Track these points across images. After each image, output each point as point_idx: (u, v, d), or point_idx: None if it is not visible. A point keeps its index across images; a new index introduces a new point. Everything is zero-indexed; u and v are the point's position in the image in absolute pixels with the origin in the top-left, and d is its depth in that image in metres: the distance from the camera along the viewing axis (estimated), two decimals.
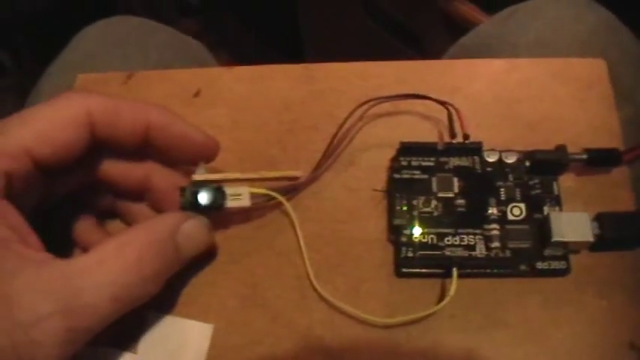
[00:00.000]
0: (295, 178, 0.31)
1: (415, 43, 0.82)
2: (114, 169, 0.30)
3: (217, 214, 0.29)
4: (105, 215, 0.33)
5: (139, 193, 0.31)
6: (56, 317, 0.22)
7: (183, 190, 0.28)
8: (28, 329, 0.22)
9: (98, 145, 0.27)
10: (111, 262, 0.25)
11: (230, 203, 0.29)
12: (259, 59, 0.39)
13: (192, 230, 0.28)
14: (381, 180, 0.33)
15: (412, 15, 0.80)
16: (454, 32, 0.58)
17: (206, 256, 0.31)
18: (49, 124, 0.26)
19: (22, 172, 0.25)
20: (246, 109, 0.36)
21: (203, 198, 0.28)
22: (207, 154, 0.29)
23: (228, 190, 0.29)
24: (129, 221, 0.32)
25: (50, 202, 0.28)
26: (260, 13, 1.12)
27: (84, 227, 0.31)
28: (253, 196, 0.29)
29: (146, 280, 0.25)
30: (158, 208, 0.31)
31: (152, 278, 0.26)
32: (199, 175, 0.29)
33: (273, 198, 0.30)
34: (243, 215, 0.33)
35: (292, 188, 0.32)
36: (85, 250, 0.31)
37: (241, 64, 0.38)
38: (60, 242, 0.26)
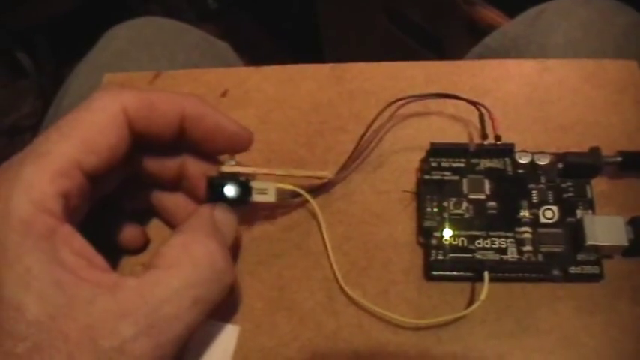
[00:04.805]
0: (323, 179, 0.31)
1: (436, 47, 0.81)
2: (151, 162, 0.29)
3: (244, 211, 0.29)
4: (136, 210, 0.32)
5: (175, 184, 0.30)
6: (141, 338, 0.22)
7: (209, 180, 0.28)
8: (115, 356, 0.22)
9: (136, 141, 0.27)
10: (183, 264, 0.24)
11: (256, 198, 0.29)
12: (278, 63, 0.38)
13: (224, 217, 0.28)
14: (410, 182, 0.33)
15: (433, 19, 0.80)
16: (476, 36, 0.57)
17: (235, 249, 0.31)
18: (90, 131, 0.25)
19: (76, 189, 0.24)
20: (274, 109, 0.36)
21: (230, 191, 0.28)
22: (240, 145, 0.29)
23: (255, 184, 0.29)
24: (164, 214, 0.32)
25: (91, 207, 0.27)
26: (279, 17, 1.12)
27: (119, 225, 0.31)
28: (279, 192, 0.29)
29: (220, 271, 0.25)
30: (194, 196, 0.31)
31: (225, 268, 0.26)
32: (227, 167, 0.29)
33: (300, 195, 0.30)
34: (271, 217, 0.33)
35: (319, 187, 0.32)
36: (124, 248, 0.31)
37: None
38: (97, 244, 0.25)
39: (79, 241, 0.24)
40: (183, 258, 0.25)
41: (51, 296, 0.22)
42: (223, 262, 0.26)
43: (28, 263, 0.22)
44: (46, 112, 0.47)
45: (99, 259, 0.24)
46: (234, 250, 0.32)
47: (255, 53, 1.06)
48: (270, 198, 0.29)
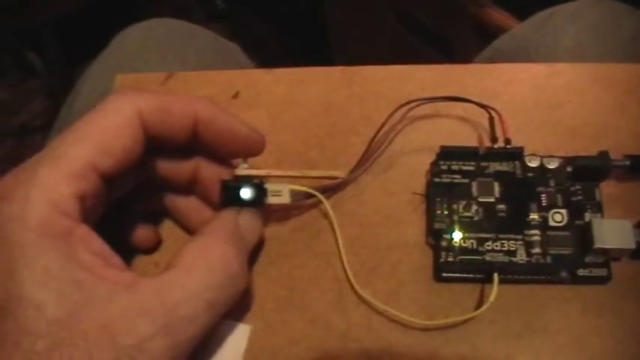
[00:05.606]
0: (336, 178, 0.32)
1: (445, 49, 0.82)
2: (165, 166, 0.30)
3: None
4: (151, 212, 0.33)
5: (188, 187, 0.31)
6: (158, 337, 0.22)
7: (224, 184, 0.29)
8: (134, 353, 0.22)
9: (150, 144, 0.27)
10: (199, 268, 0.25)
11: (270, 200, 0.29)
12: (287, 64, 0.39)
13: (249, 221, 0.29)
14: (420, 184, 0.33)
15: (442, 20, 0.80)
16: (484, 38, 0.57)
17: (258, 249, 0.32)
18: (105, 134, 0.25)
19: (92, 191, 0.25)
20: (285, 111, 0.36)
21: (246, 193, 0.28)
22: (253, 149, 0.29)
23: (269, 186, 0.29)
24: (178, 216, 0.32)
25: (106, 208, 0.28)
26: (288, 18, 1.12)
27: (133, 225, 0.31)
28: (293, 193, 0.30)
29: (234, 276, 0.26)
30: (207, 199, 0.31)
31: (239, 273, 0.26)
32: (241, 170, 0.29)
33: (313, 196, 0.31)
34: (282, 217, 0.33)
35: (331, 188, 0.32)
36: (137, 248, 0.32)
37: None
38: (110, 243, 0.26)
39: (97, 241, 0.24)
40: (200, 261, 0.25)
41: (69, 295, 0.22)
42: (238, 267, 0.26)
43: (46, 263, 0.22)
44: (56, 112, 0.47)
45: (116, 259, 0.25)
46: (255, 251, 0.32)
47: (263, 53, 1.07)
48: (284, 199, 0.29)
